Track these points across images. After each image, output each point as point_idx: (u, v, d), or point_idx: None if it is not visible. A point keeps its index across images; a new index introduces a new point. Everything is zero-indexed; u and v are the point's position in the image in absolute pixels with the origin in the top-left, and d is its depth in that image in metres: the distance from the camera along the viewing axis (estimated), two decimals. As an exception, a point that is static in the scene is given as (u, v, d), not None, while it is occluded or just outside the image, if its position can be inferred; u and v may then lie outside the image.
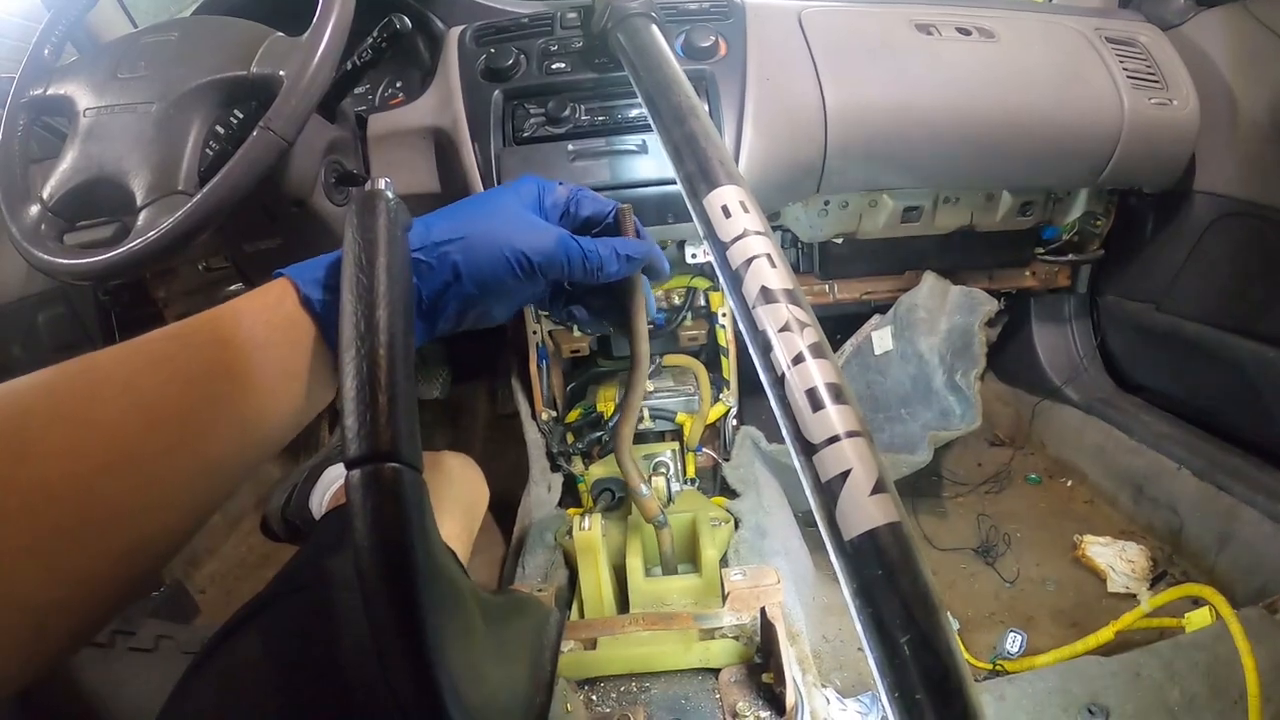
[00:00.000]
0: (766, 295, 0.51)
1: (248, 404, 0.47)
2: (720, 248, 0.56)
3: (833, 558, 0.41)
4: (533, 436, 1.36)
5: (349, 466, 0.42)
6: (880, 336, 1.53)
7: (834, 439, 0.43)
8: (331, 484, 1.40)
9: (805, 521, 1.32)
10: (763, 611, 0.84)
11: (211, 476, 0.45)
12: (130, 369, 0.43)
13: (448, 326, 0.59)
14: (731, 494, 1.25)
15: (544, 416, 1.36)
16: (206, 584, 1.49)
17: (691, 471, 1.30)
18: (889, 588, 0.38)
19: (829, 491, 0.42)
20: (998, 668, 1.14)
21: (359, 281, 0.47)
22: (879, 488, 0.41)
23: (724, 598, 0.90)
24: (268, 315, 0.50)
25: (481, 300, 0.59)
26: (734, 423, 1.37)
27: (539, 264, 0.59)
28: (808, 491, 0.44)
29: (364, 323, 0.45)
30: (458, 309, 0.58)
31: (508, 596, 0.74)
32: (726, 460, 1.33)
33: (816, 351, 0.47)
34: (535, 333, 1.33)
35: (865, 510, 0.40)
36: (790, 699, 0.78)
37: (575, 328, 1.33)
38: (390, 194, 0.53)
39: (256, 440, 0.48)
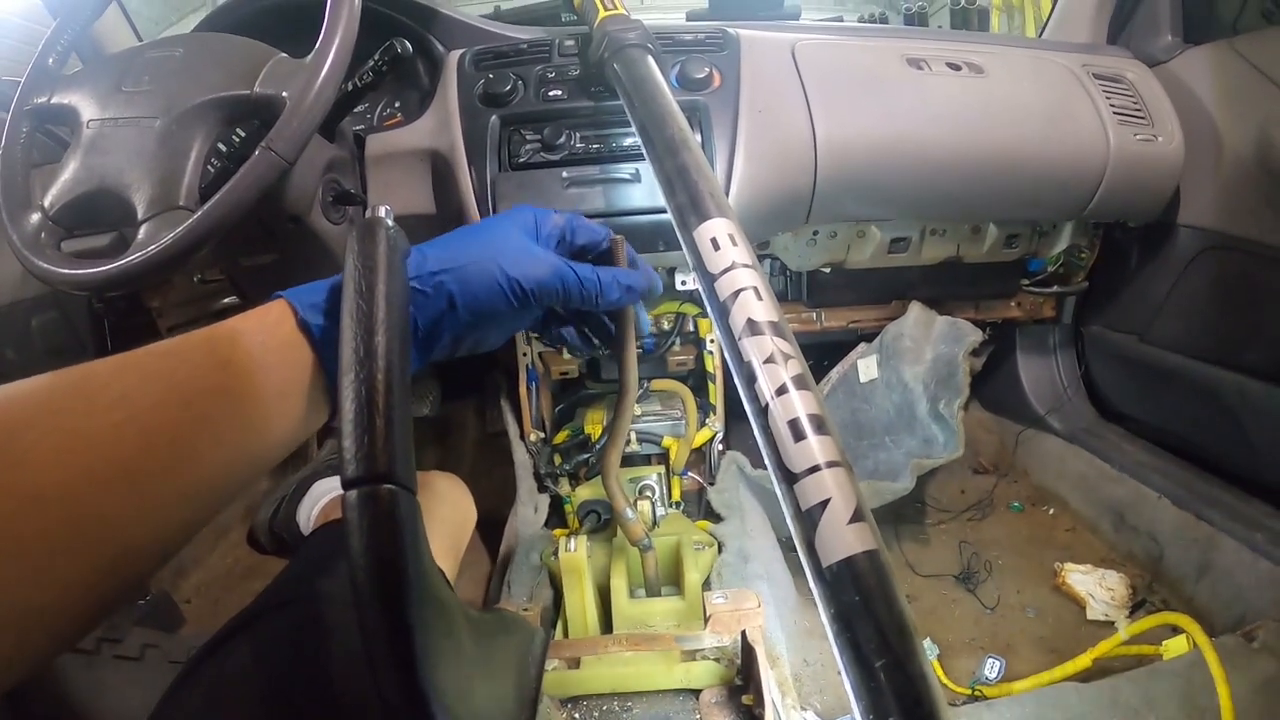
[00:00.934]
0: (752, 327, 0.52)
1: (242, 424, 0.48)
2: (709, 279, 0.57)
3: (811, 584, 0.42)
4: (521, 457, 1.37)
5: (346, 486, 0.43)
6: (866, 365, 1.55)
7: (814, 469, 0.44)
8: (320, 498, 1.41)
9: (788, 547, 1.33)
10: (743, 634, 0.86)
11: (202, 493, 0.46)
12: (127, 383, 0.43)
13: (443, 353, 0.60)
14: (716, 518, 1.26)
15: (532, 437, 1.37)
16: (192, 594, 1.49)
17: (676, 495, 1.31)
18: (865, 614, 0.39)
19: (809, 519, 0.43)
20: (976, 693, 1.15)
21: (359, 307, 0.48)
22: (857, 516, 0.42)
23: (706, 620, 0.91)
24: (264, 337, 0.50)
25: (477, 328, 0.60)
26: (719, 447, 1.39)
27: (533, 291, 0.60)
28: (788, 519, 0.45)
29: (363, 348, 0.47)
30: (453, 337, 0.59)
31: (494, 615, 0.75)
32: (711, 484, 1.34)
33: (800, 383, 0.48)
34: (525, 354, 1.34)
35: (843, 538, 0.41)
36: (769, 721, 0.79)
37: (565, 350, 1.34)
38: (390, 222, 0.55)
39: (249, 460, 0.49)
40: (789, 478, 0.45)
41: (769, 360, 0.50)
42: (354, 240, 0.52)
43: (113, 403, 0.42)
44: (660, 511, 1.15)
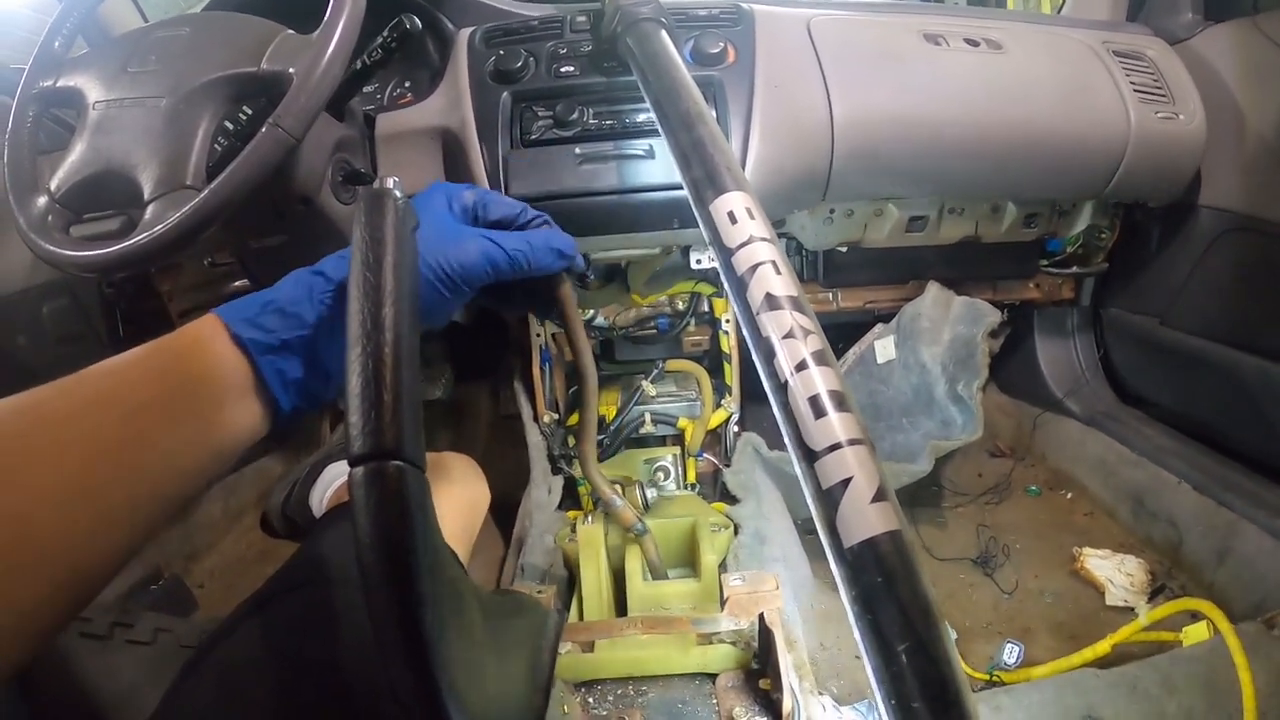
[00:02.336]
0: (771, 302, 0.51)
1: (182, 435, 0.49)
2: (725, 254, 0.56)
3: (832, 565, 0.41)
4: (534, 439, 1.36)
5: (352, 464, 0.42)
6: (883, 345, 1.53)
7: (836, 446, 0.43)
8: (332, 482, 1.40)
9: (805, 529, 1.32)
10: (761, 617, 0.85)
11: (148, 502, 0.47)
12: (71, 403, 0.45)
13: None
14: (731, 500, 1.25)
15: (546, 419, 1.36)
16: (205, 579, 1.49)
17: (692, 476, 1.30)
18: (888, 596, 0.38)
19: (830, 499, 0.42)
20: (994, 678, 1.14)
21: (365, 279, 0.47)
22: (880, 496, 0.41)
23: (722, 603, 0.90)
24: (200, 351, 0.51)
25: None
26: (735, 429, 1.38)
27: (461, 277, 0.60)
28: (808, 498, 0.44)
29: (370, 320, 0.46)
30: None
31: (508, 596, 0.74)
32: (727, 466, 1.34)
33: (820, 359, 0.47)
34: (539, 335, 1.33)
35: (866, 518, 0.40)
36: (787, 705, 0.78)
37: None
38: (398, 193, 0.54)
39: (192, 467, 0.50)
40: (809, 456, 0.44)
41: (788, 335, 0.49)
42: (361, 212, 0.51)
43: (59, 423, 0.44)
44: (652, 495, 1.14)
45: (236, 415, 0.52)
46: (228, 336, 0.52)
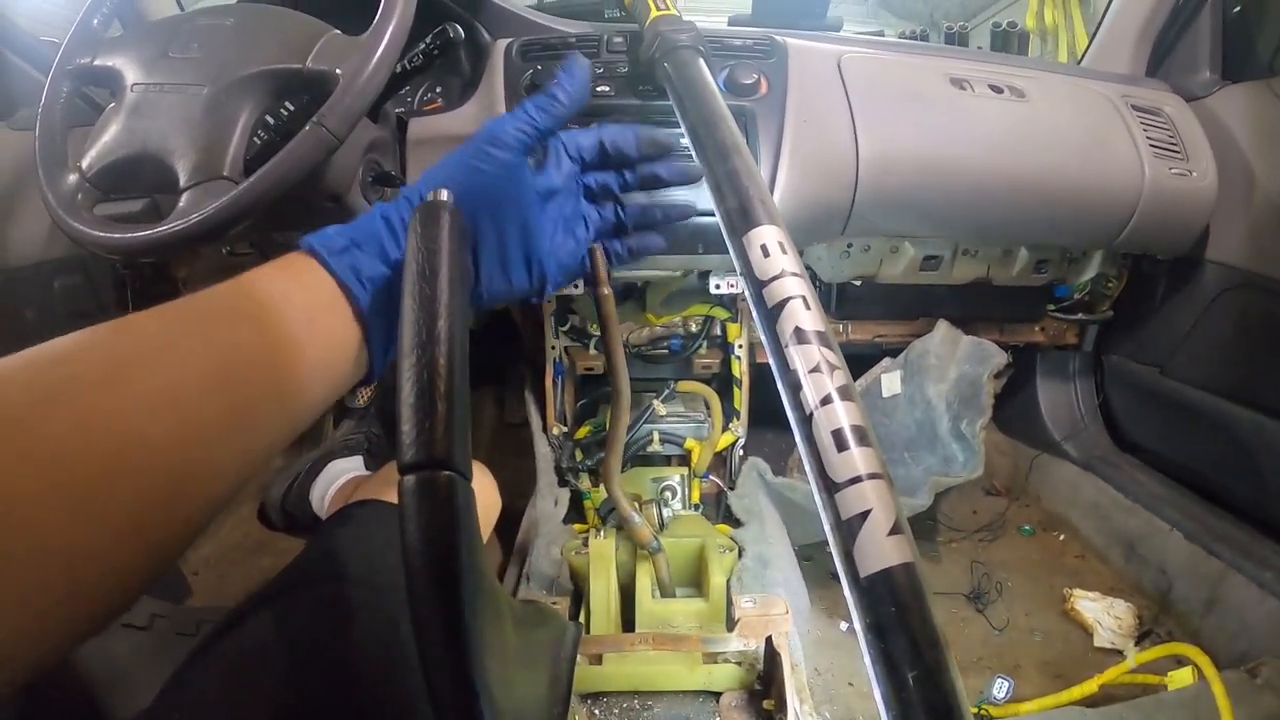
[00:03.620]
0: (800, 336, 0.52)
1: (275, 346, 0.48)
2: (757, 285, 0.57)
3: (847, 593, 0.42)
4: (542, 450, 1.37)
5: (404, 471, 0.42)
6: (890, 379, 1.55)
7: (856, 479, 0.44)
8: (335, 479, 1.41)
9: (802, 556, 1.33)
10: (769, 640, 0.85)
11: (248, 430, 0.46)
12: (164, 320, 0.45)
13: None
14: (735, 523, 1.26)
15: (555, 431, 1.37)
16: (200, 566, 1.48)
17: (696, 498, 1.31)
18: (900, 625, 0.39)
19: (848, 529, 0.43)
20: (983, 713, 1.16)
21: (421, 290, 0.48)
22: (896, 529, 0.42)
23: (732, 623, 0.91)
24: (291, 271, 0.52)
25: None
26: (740, 453, 1.39)
27: (560, 283, 0.63)
28: (827, 528, 0.45)
29: (425, 332, 0.46)
30: None
31: (531, 607, 0.75)
32: (731, 489, 1.35)
33: (844, 394, 0.48)
34: (554, 348, 1.34)
35: (882, 550, 0.42)
36: (790, 727, 0.79)
37: (591, 346, 1.35)
38: (453, 204, 0.54)
39: (292, 386, 0.49)
40: (831, 487, 0.45)
41: (814, 370, 0.50)
42: (416, 222, 0.52)
43: (155, 333, 0.43)
44: (668, 514, 1.15)
45: (330, 340, 0.53)
46: (317, 264, 0.53)
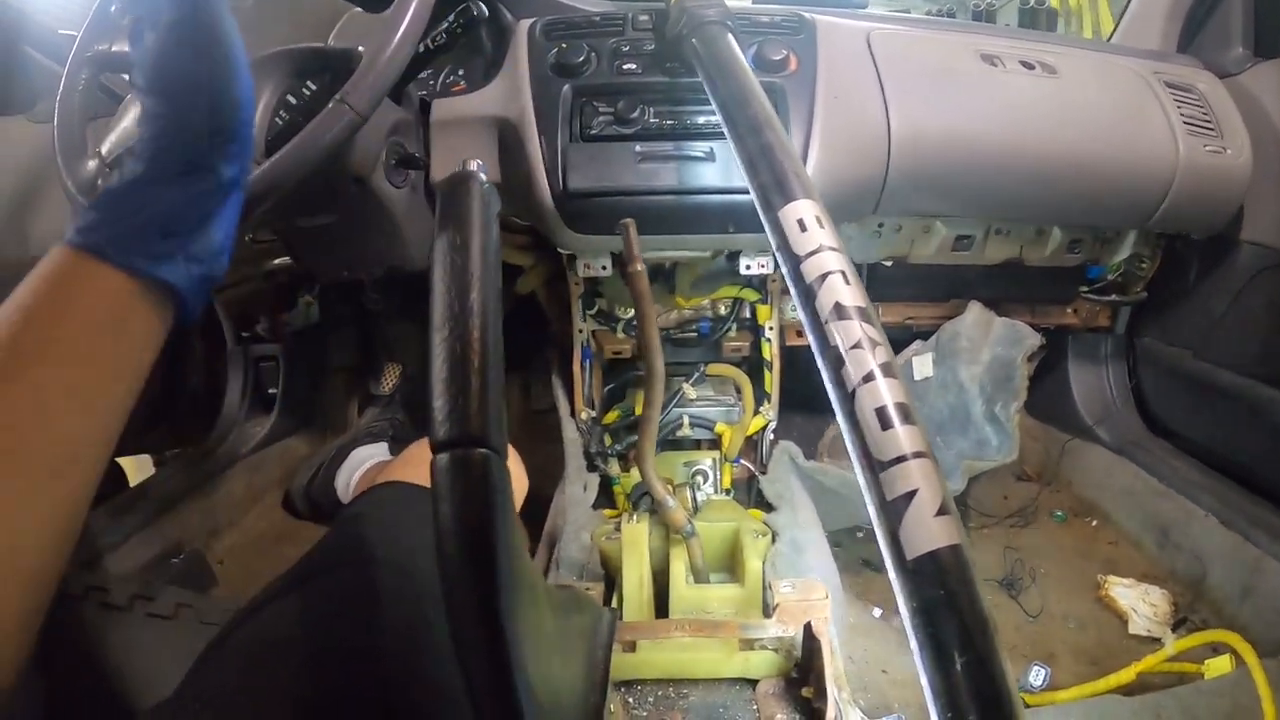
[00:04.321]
0: (840, 311, 0.51)
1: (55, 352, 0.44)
2: (794, 261, 0.56)
3: (892, 576, 0.42)
4: (571, 435, 1.36)
5: (436, 449, 0.41)
6: (921, 362, 1.53)
7: (901, 458, 0.44)
8: (359, 465, 1.41)
9: (833, 541, 1.32)
10: (808, 626, 0.84)
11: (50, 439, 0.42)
12: None
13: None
14: (767, 507, 1.25)
15: (583, 415, 1.36)
16: (225, 555, 1.48)
17: (727, 482, 1.30)
18: (949, 609, 0.39)
19: (893, 510, 0.42)
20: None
21: (453, 262, 0.47)
22: (943, 510, 0.41)
23: (770, 609, 0.90)
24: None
25: None
26: (771, 436, 1.37)
27: None
28: (871, 509, 0.44)
29: (458, 304, 0.45)
30: None
31: (566, 592, 0.74)
32: (763, 473, 1.33)
33: (887, 371, 0.48)
34: (581, 331, 1.33)
35: (929, 530, 0.41)
36: (830, 714, 0.78)
37: (619, 329, 1.34)
38: (483, 176, 0.53)
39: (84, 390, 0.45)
40: (875, 466, 0.44)
41: (856, 346, 0.49)
42: (445, 193, 0.51)
43: None
44: (701, 498, 1.14)
45: (129, 337, 0.47)
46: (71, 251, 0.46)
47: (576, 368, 1.34)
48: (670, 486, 0.99)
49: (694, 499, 1.06)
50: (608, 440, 1.34)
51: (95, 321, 0.45)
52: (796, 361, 1.45)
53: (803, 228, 0.57)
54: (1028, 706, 1.12)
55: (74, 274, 0.45)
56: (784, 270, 0.57)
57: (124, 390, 0.46)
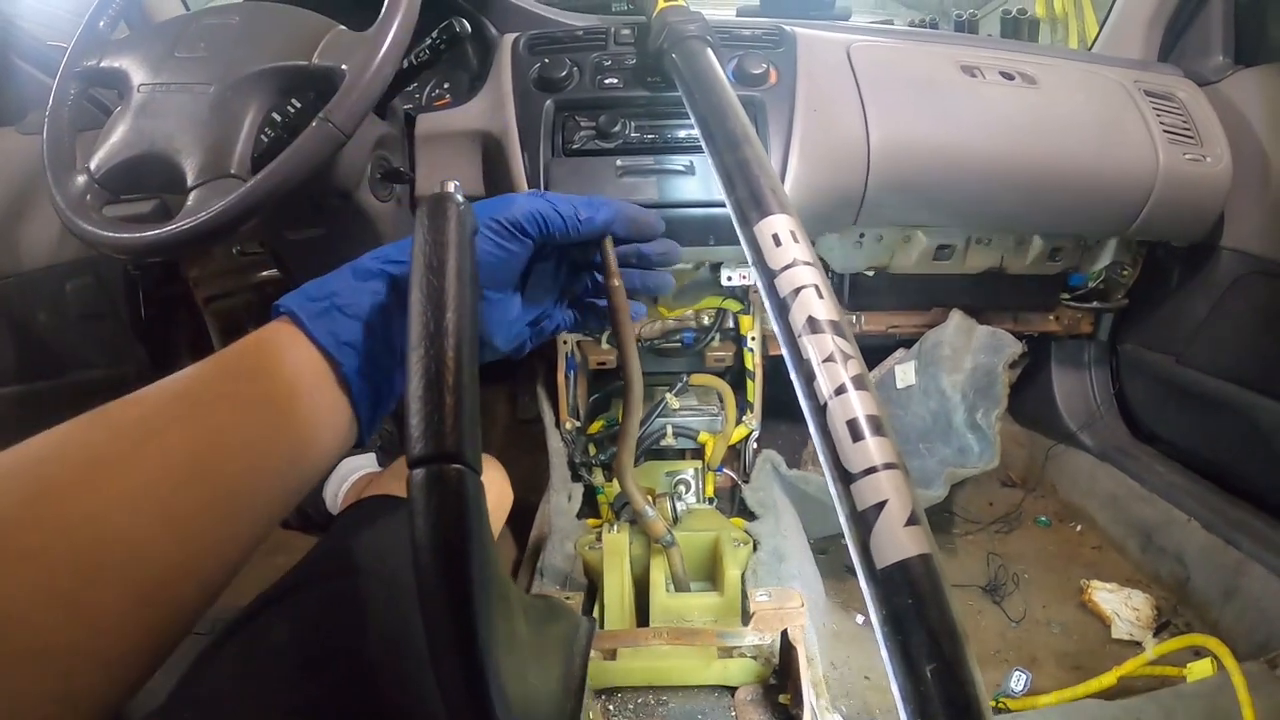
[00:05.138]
0: (813, 325, 0.51)
1: (258, 431, 0.47)
2: (768, 275, 0.56)
3: (863, 585, 0.42)
4: (555, 445, 1.37)
5: (412, 465, 0.41)
6: (903, 370, 1.54)
7: (871, 470, 0.44)
8: (348, 476, 1.41)
9: (817, 549, 1.33)
10: (784, 633, 0.85)
11: (229, 509, 0.45)
12: (142, 409, 0.44)
13: None
14: (749, 516, 1.26)
15: (568, 425, 1.36)
16: (215, 566, 1.48)
17: (710, 491, 1.31)
18: (917, 617, 0.39)
19: (864, 521, 0.43)
20: (1001, 706, 1.15)
21: (429, 284, 0.47)
22: (913, 520, 0.42)
23: (747, 617, 0.91)
24: (270, 345, 0.50)
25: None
26: (754, 445, 1.38)
27: (512, 224, 0.59)
28: (842, 519, 0.45)
29: (433, 324, 0.45)
30: None
31: (543, 601, 0.74)
32: (746, 482, 1.34)
33: (859, 383, 0.48)
34: (565, 343, 1.34)
35: (899, 541, 0.41)
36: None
37: (603, 340, 1.35)
38: (460, 197, 0.54)
39: (273, 471, 0.48)
40: (846, 478, 0.45)
41: (828, 359, 0.49)
42: (424, 215, 0.51)
43: (132, 425, 0.42)
44: (682, 507, 1.15)
45: (316, 411, 0.50)
46: (299, 332, 0.51)
47: (561, 378, 1.35)
48: (651, 496, 1.00)
49: (674, 509, 1.06)
50: (592, 450, 1.35)
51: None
52: (779, 371, 1.44)
53: (777, 242, 0.58)
54: (1009, 711, 1.13)
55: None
56: (759, 284, 0.58)
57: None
